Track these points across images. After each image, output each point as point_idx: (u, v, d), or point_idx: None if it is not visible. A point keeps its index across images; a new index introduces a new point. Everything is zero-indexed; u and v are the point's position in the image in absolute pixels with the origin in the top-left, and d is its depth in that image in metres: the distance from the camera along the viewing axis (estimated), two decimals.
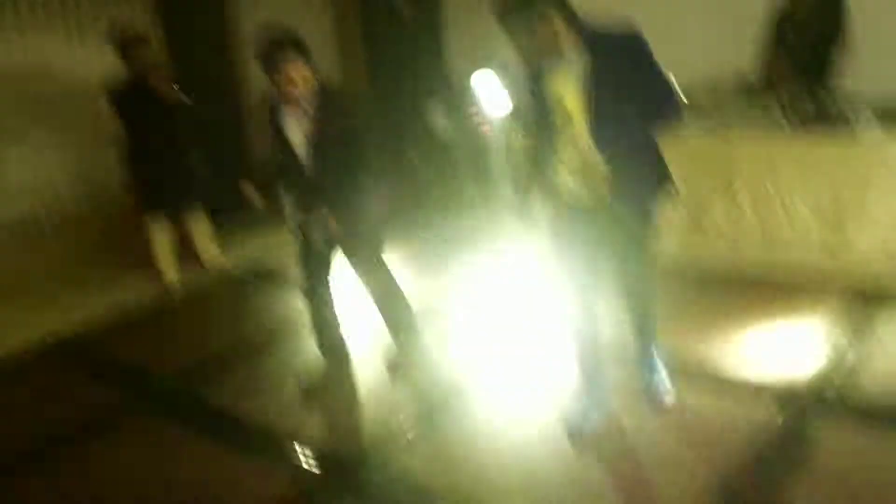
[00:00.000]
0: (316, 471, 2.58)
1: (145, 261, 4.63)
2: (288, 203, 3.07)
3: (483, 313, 3.79)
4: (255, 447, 2.77)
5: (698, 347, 3.10)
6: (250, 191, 3.08)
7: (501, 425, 2.74)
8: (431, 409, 2.90)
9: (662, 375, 2.74)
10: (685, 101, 2.94)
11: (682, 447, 2.48)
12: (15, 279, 4.70)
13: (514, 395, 2.93)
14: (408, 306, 3.24)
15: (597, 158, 2.28)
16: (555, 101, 2.31)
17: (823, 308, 3.36)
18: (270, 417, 2.95)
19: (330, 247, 3.00)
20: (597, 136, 2.26)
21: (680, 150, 3.50)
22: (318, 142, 2.82)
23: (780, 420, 2.54)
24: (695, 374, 2.90)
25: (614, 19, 2.27)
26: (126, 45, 4.22)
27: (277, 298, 4.33)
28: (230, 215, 4.97)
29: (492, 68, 5.21)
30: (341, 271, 3.11)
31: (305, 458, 2.64)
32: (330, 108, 2.81)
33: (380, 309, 3.23)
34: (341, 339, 3.28)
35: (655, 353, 2.74)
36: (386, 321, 3.25)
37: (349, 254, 3.03)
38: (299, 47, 2.70)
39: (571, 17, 2.20)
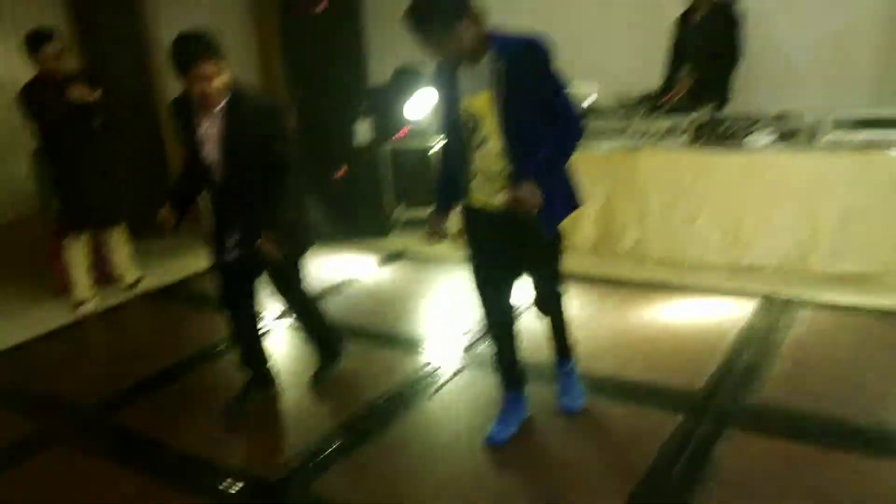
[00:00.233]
0: (238, 495, 2.59)
1: (60, 281, 4.50)
2: (205, 211, 2.94)
3: (403, 324, 3.85)
4: (175, 473, 2.75)
5: (605, 355, 3.24)
6: (164, 213, 2.87)
7: (419, 438, 2.81)
8: (352, 424, 2.94)
9: (574, 382, 2.86)
10: (584, 119, 3.04)
11: (592, 453, 2.61)
12: None
13: (432, 407, 3.01)
14: (327, 319, 3.25)
15: (506, 162, 2.35)
16: (466, 105, 2.36)
17: (726, 315, 3.55)
18: (191, 441, 2.93)
19: (247, 259, 2.86)
20: (507, 140, 2.32)
21: (587, 161, 3.64)
22: (231, 147, 2.71)
23: (684, 425, 2.67)
24: (604, 381, 3.03)
25: (530, 31, 2.30)
26: (35, 41, 3.98)
27: (198, 319, 4.27)
28: (150, 233, 4.82)
29: (412, 73, 5.26)
30: (261, 284, 3.06)
31: (227, 483, 2.64)
32: (244, 112, 2.69)
33: (300, 322, 3.24)
34: (264, 353, 3.19)
35: (569, 360, 2.85)
36: (307, 334, 3.27)
37: (266, 266, 2.92)
38: (208, 44, 2.56)
39: (478, 23, 2.22)
